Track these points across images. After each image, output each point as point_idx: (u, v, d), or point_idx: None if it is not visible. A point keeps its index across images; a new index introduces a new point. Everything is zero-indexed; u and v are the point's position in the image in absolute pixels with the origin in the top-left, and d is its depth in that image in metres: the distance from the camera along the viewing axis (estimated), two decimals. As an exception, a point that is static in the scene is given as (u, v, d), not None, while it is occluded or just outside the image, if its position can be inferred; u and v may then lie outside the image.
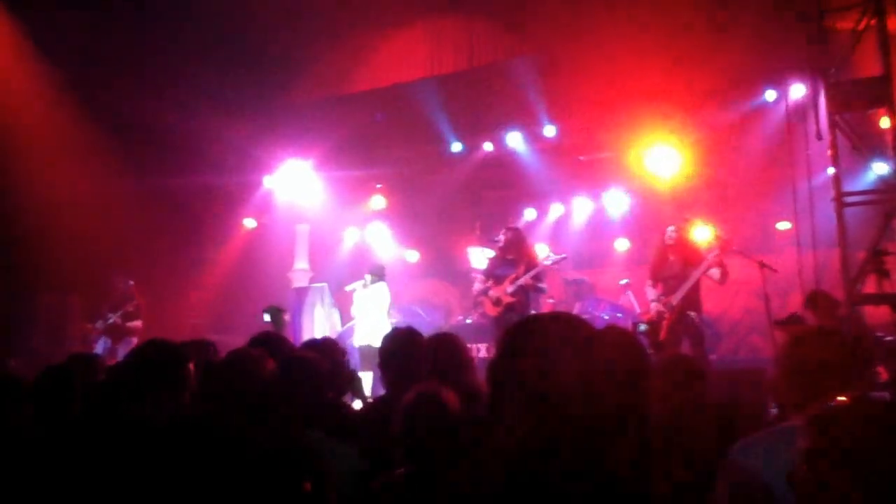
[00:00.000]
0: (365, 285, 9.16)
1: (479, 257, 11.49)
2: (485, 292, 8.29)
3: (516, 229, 8.48)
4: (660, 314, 7.22)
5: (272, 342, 3.51)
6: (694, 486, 2.00)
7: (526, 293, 7.94)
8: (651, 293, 7.52)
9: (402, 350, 3.36)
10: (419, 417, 2.34)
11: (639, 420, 1.34)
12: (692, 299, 7.22)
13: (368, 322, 8.88)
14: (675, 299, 7.13)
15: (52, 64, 8.89)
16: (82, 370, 4.09)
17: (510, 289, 7.89)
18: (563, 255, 8.55)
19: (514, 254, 8.06)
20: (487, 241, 11.10)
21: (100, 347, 9.19)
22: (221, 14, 9.30)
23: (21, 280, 9.46)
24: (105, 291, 9.68)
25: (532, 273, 7.87)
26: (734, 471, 2.03)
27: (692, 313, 7.13)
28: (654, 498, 1.40)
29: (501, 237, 8.20)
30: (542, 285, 8.14)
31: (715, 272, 7.18)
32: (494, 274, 8.21)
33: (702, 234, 7.60)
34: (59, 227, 9.10)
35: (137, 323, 9.41)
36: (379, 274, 9.21)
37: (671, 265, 7.37)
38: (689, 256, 7.32)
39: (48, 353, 8.90)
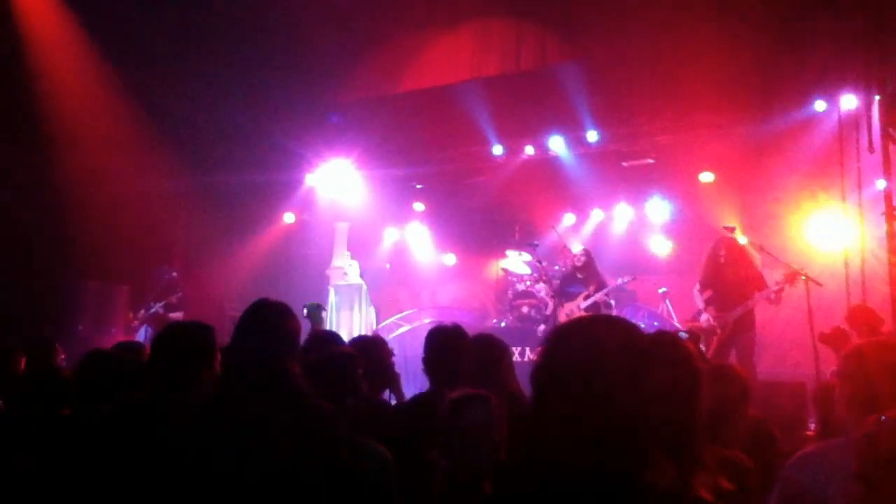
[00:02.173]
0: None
1: (517, 261, 11.48)
2: (555, 308, 8.88)
3: (588, 251, 9.33)
4: (711, 328, 7.19)
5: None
6: (737, 498, 1.98)
7: (598, 309, 8.60)
8: (699, 299, 7.48)
9: (449, 348, 3.35)
10: (469, 414, 2.34)
11: (686, 432, 1.32)
12: (747, 319, 7.17)
13: None
14: (732, 317, 7.10)
15: (107, 60, 9.08)
16: (127, 357, 4.20)
17: (584, 304, 8.61)
18: (633, 277, 9.27)
19: (585, 273, 8.90)
20: (526, 246, 11.10)
21: (141, 335, 9.40)
22: (269, 13, 9.43)
23: (70, 269, 9.71)
24: (150, 282, 9.90)
25: (605, 291, 8.76)
26: (789, 485, 2.00)
27: (747, 336, 7.11)
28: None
29: (582, 258, 9.05)
30: (612, 301, 8.93)
31: (770, 293, 7.19)
32: (565, 291, 9.04)
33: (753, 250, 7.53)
34: (108, 220, 9.32)
35: (179, 314, 9.59)
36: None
37: (724, 274, 7.32)
38: (745, 270, 7.29)
39: (93, 340, 9.11)
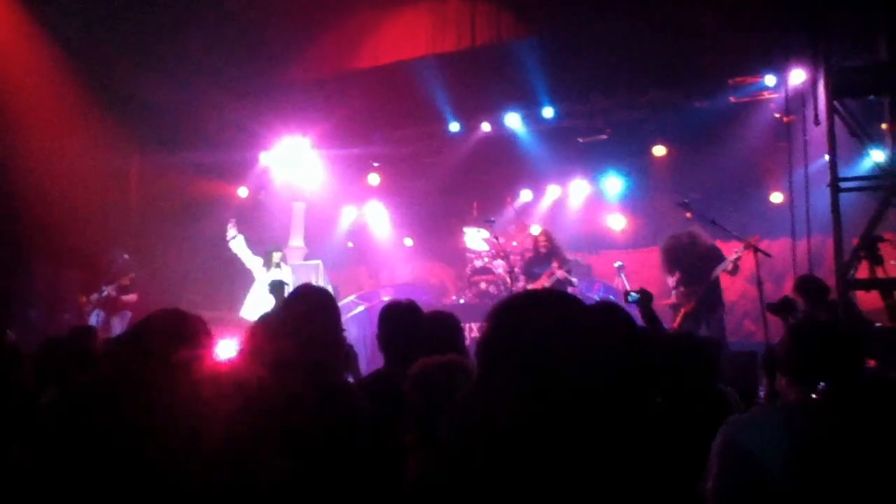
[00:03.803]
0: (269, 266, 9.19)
1: (475, 238, 11.53)
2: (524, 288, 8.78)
3: (548, 232, 9.50)
4: (680, 302, 7.57)
5: None
6: (686, 457, 2.05)
7: (563, 286, 8.70)
8: (670, 281, 7.76)
9: (404, 325, 3.34)
10: (439, 385, 2.29)
11: (632, 389, 1.37)
12: (715, 296, 7.49)
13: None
14: (697, 291, 7.38)
15: (52, 37, 8.82)
16: (82, 342, 4.15)
17: (548, 283, 8.71)
18: (587, 254, 9.80)
19: (548, 253, 9.08)
20: (483, 222, 11.15)
21: (93, 320, 9.20)
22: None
23: (18, 253, 9.47)
24: (102, 265, 9.70)
25: (567, 267, 8.98)
26: (729, 447, 2.07)
27: (715, 314, 7.38)
28: (646, 470, 1.41)
29: (545, 244, 9.21)
30: (574, 279, 9.03)
31: (728, 265, 7.49)
32: (532, 272, 9.13)
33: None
34: (56, 201, 9.09)
35: (133, 296, 9.43)
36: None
37: (689, 258, 7.59)
38: (707, 251, 7.57)
39: (45, 325, 8.93)
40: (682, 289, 7.65)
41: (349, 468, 2.36)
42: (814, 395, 1.90)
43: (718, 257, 7.66)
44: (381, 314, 3.38)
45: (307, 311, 2.64)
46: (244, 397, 2.56)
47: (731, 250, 7.63)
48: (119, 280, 9.41)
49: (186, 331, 2.87)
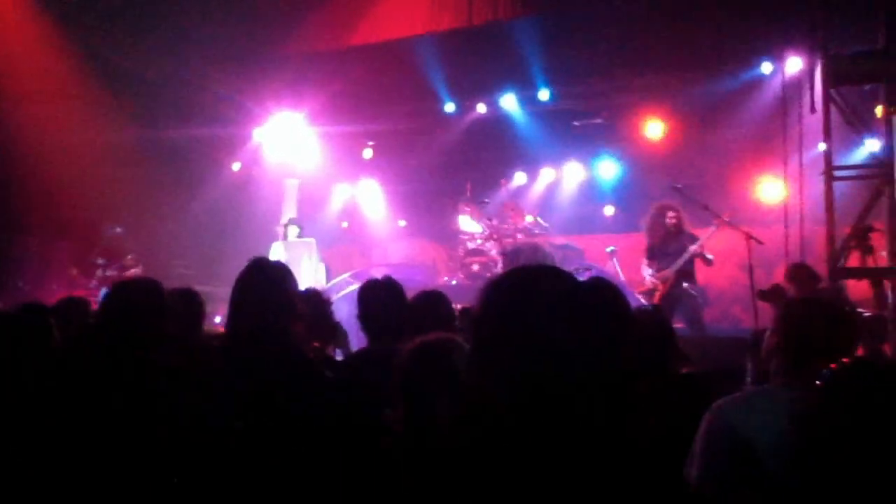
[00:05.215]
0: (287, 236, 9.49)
1: (468, 219, 11.50)
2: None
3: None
4: (654, 285, 7.43)
5: None
6: (670, 438, 2.05)
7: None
8: (646, 271, 7.68)
9: (385, 303, 3.33)
10: (439, 362, 2.26)
11: (623, 367, 1.36)
12: (686, 273, 7.40)
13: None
14: (671, 272, 7.32)
15: (46, 10, 8.72)
16: (73, 312, 4.12)
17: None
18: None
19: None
20: (477, 203, 11.12)
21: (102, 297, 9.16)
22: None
23: (9, 223, 9.41)
24: (93, 238, 9.66)
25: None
26: (717, 428, 2.08)
27: (686, 284, 7.29)
28: (634, 449, 1.41)
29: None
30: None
31: (707, 255, 7.41)
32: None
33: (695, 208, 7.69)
34: (48, 173, 9.02)
35: (137, 271, 9.40)
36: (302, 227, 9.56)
37: (668, 245, 7.53)
38: (686, 236, 7.51)
39: (34, 296, 8.88)
40: (657, 272, 7.55)
41: (301, 433, 2.43)
42: (809, 376, 1.90)
43: (692, 237, 7.59)
44: (359, 293, 3.37)
45: (259, 282, 2.73)
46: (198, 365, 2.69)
47: (723, 237, 7.64)
48: (121, 258, 9.38)
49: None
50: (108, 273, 9.36)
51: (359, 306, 3.37)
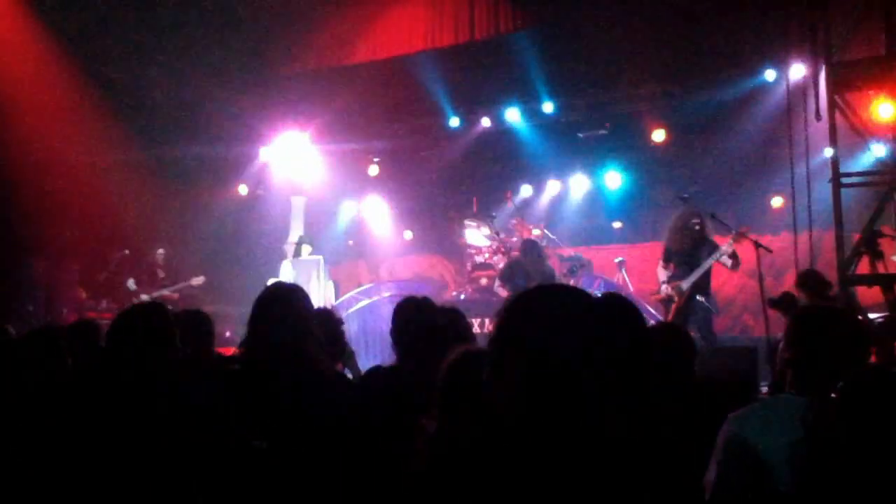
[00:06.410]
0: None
1: (476, 233, 11.51)
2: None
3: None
4: (669, 297, 7.38)
5: None
6: (689, 452, 2.04)
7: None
8: (662, 274, 7.62)
9: (419, 321, 3.36)
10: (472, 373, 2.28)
11: (639, 384, 1.36)
12: (702, 284, 7.34)
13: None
14: (686, 284, 7.26)
15: (52, 32, 8.79)
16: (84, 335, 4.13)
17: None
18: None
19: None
20: (483, 217, 11.12)
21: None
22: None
23: (17, 246, 9.45)
24: (101, 259, 9.70)
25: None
26: (733, 438, 2.06)
27: (701, 298, 7.24)
28: (649, 462, 1.42)
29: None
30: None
31: (727, 260, 7.24)
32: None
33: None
34: (56, 195, 9.09)
35: (175, 296, 9.41)
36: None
37: (687, 251, 7.46)
38: (706, 246, 7.44)
39: (44, 318, 8.91)
40: (674, 280, 7.47)
41: (323, 445, 2.47)
42: (823, 387, 1.88)
43: (713, 245, 7.48)
44: (396, 310, 3.41)
45: (273, 303, 2.82)
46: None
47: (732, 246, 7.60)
48: (156, 284, 9.39)
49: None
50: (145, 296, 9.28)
51: (394, 322, 3.42)
